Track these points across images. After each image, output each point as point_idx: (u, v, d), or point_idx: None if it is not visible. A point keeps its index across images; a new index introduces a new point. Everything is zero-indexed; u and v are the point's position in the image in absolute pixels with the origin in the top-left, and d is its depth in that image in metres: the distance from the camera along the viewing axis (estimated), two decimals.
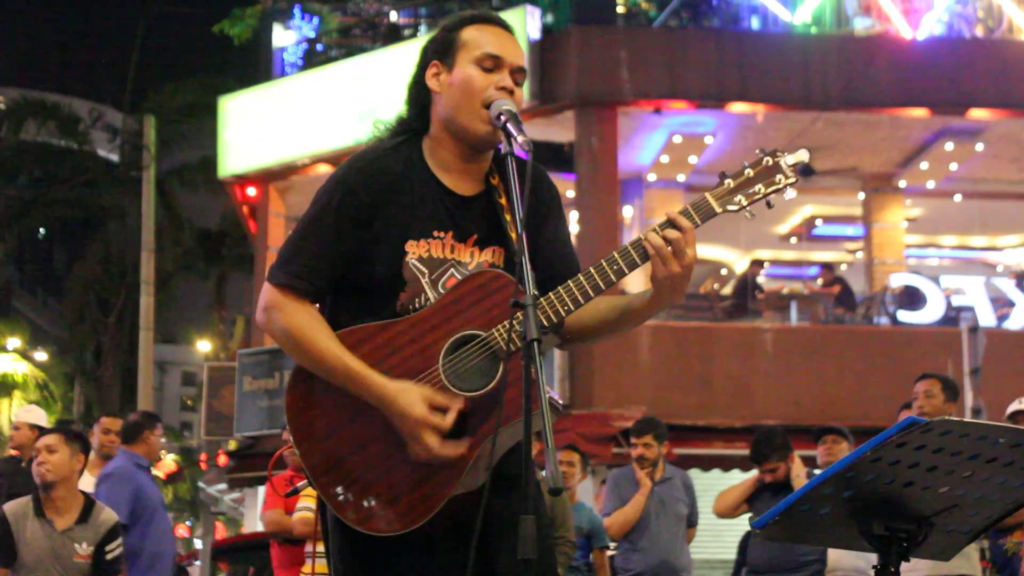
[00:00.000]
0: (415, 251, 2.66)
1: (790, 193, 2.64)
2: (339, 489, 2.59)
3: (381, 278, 2.64)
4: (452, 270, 2.68)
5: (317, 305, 2.70)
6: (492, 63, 2.65)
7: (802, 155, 2.58)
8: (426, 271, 2.65)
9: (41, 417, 8.17)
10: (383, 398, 2.54)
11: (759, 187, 2.58)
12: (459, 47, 2.69)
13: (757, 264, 18.29)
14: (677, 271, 2.56)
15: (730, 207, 2.58)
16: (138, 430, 7.34)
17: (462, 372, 2.56)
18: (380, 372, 2.56)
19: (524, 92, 2.77)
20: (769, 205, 2.60)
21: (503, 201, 2.71)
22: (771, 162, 2.59)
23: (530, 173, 2.46)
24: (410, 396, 2.53)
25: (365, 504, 2.58)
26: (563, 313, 2.57)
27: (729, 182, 2.59)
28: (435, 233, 2.68)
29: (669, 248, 2.54)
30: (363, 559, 2.63)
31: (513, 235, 2.63)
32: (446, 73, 2.69)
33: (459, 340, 2.57)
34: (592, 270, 2.59)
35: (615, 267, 2.58)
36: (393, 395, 2.54)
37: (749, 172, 2.59)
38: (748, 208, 2.59)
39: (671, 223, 2.57)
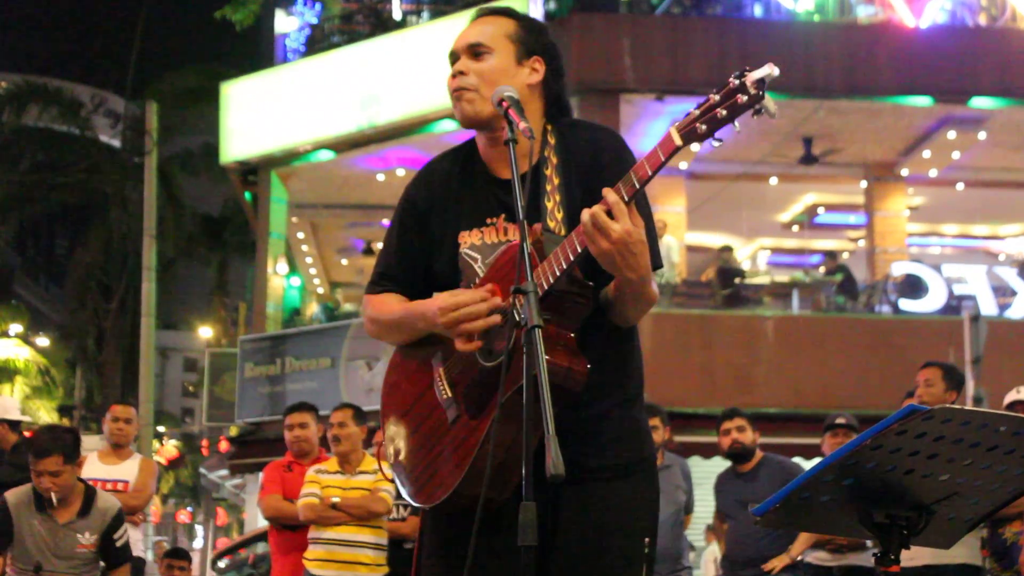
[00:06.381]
0: (467, 240, 2.80)
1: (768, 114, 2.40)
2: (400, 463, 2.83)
3: (442, 270, 2.85)
4: None
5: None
6: (452, 59, 2.83)
7: (767, 70, 2.38)
8: (479, 256, 2.78)
9: (10, 409, 8.05)
10: (424, 314, 2.72)
11: (722, 111, 2.39)
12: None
13: (726, 250, 17.86)
14: (604, 248, 2.43)
15: (693, 138, 2.39)
16: None
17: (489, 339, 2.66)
18: (442, 347, 2.75)
19: (502, 63, 2.75)
20: (735, 127, 2.43)
21: (548, 172, 2.75)
22: (736, 82, 2.39)
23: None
24: (435, 299, 2.72)
25: (416, 478, 2.76)
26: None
27: (695, 111, 2.42)
28: (487, 221, 2.80)
29: (594, 227, 2.41)
30: (434, 532, 2.79)
31: (525, 214, 2.55)
32: None
33: None
34: (540, 270, 2.53)
35: (558, 261, 2.51)
36: (427, 305, 2.72)
37: (715, 97, 2.41)
38: (713, 136, 2.40)
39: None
